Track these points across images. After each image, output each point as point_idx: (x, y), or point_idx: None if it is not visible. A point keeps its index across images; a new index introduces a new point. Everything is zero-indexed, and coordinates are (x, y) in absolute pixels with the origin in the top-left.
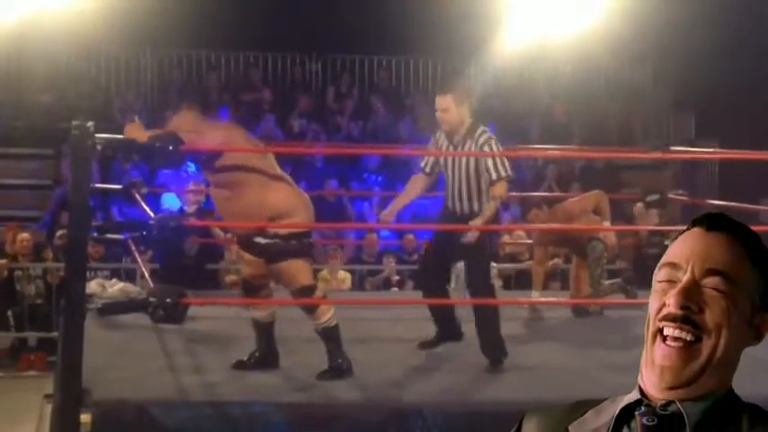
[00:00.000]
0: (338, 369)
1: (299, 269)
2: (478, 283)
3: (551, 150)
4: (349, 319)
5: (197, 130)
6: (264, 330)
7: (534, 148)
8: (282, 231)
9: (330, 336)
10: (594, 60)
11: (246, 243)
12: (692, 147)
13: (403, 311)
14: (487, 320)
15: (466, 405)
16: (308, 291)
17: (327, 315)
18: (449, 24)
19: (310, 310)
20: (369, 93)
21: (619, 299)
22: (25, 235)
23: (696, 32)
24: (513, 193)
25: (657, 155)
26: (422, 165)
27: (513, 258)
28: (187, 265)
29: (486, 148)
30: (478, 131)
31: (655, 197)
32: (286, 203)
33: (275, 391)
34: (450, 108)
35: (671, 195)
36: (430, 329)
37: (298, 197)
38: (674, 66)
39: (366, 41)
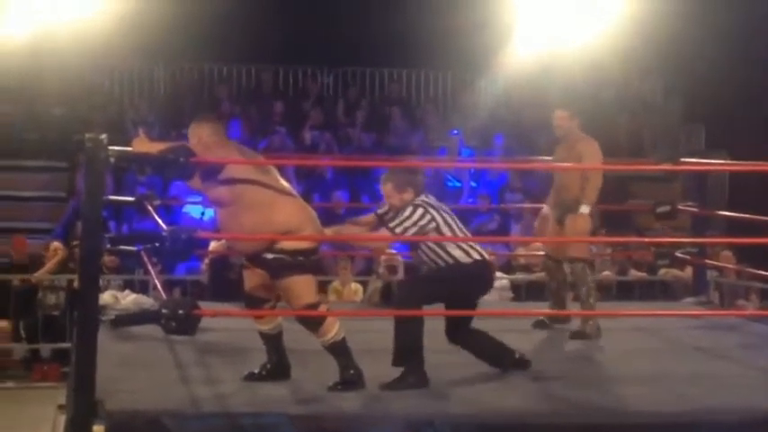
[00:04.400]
0: (350, 382)
1: (303, 286)
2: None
3: (560, 163)
4: (359, 330)
5: (208, 143)
6: (272, 342)
7: (544, 160)
8: (288, 247)
9: (339, 350)
10: (605, 72)
11: (253, 259)
12: (702, 158)
13: None
14: (403, 331)
15: (478, 417)
16: (312, 309)
17: (333, 330)
18: (460, 36)
19: (315, 327)
20: (380, 105)
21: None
22: (57, 244)
23: (707, 44)
24: (526, 205)
25: (668, 166)
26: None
27: (526, 269)
28: (233, 280)
29: (410, 209)
30: (416, 201)
31: (665, 208)
32: (293, 220)
33: (286, 403)
34: (393, 195)
35: (681, 207)
36: (438, 340)
37: (303, 212)
38: (685, 78)
39: (377, 54)
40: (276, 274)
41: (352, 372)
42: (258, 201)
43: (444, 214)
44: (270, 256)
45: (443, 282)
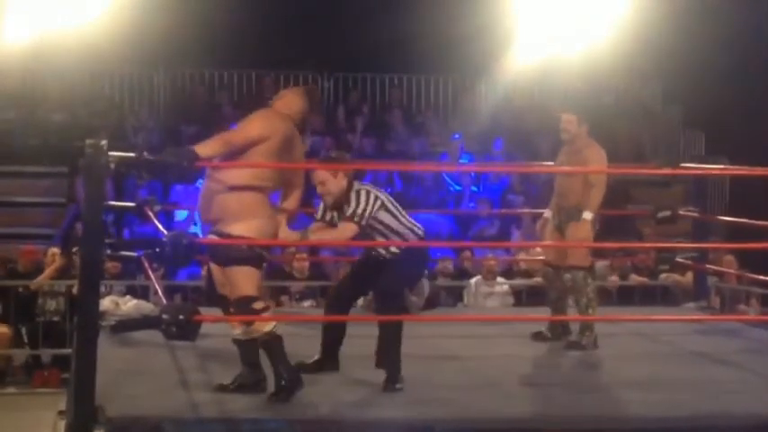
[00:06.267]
0: (284, 389)
1: (243, 276)
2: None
3: (561, 167)
4: (357, 335)
5: (273, 105)
6: (246, 350)
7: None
8: (236, 233)
9: (272, 349)
10: (605, 77)
11: (210, 248)
12: (702, 163)
13: (413, 329)
14: (386, 338)
15: (477, 422)
16: (249, 302)
17: (267, 326)
18: (460, 42)
19: (248, 321)
20: (380, 110)
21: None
22: (55, 250)
23: (706, 50)
24: (525, 210)
25: (668, 171)
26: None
27: (527, 274)
28: None
29: (354, 196)
30: (355, 188)
31: (666, 213)
32: (249, 206)
33: (286, 408)
34: (328, 180)
35: (681, 212)
36: (439, 346)
37: (265, 207)
38: (685, 83)
39: (378, 59)
40: (220, 261)
41: (285, 378)
42: (234, 181)
43: (381, 194)
44: (216, 238)
45: (407, 267)
